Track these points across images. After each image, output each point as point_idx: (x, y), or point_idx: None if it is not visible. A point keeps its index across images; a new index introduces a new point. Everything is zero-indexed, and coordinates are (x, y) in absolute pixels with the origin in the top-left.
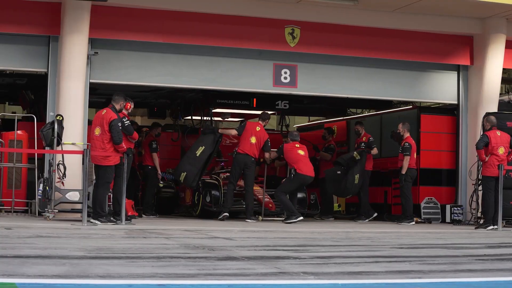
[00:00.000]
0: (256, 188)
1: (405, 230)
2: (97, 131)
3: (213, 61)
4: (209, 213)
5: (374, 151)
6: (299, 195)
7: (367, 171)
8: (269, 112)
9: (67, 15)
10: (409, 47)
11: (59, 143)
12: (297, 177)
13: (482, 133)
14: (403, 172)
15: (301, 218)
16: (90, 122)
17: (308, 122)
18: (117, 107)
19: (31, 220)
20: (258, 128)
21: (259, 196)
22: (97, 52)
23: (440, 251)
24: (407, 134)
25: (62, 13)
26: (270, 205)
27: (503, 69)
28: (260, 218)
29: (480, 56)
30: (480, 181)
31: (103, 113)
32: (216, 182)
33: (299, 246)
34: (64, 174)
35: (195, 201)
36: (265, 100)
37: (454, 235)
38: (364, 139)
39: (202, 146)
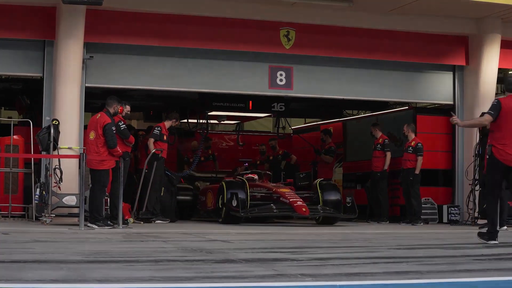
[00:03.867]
0: (286, 190)
1: (403, 231)
2: (92, 135)
3: (208, 64)
4: (235, 219)
5: (388, 155)
6: (333, 196)
7: (384, 172)
8: (263, 115)
9: (62, 20)
10: (404, 48)
11: (55, 147)
12: (492, 162)
13: (478, 133)
14: (417, 172)
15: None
16: (86, 127)
17: (304, 124)
18: (111, 110)
19: (28, 225)
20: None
21: (291, 200)
22: (92, 56)
23: (438, 251)
24: (412, 135)
25: (57, 18)
26: (304, 209)
27: (499, 69)
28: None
29: (475, 56)
30: (476, 181)
31: (97, 117)
32: (242, 184)
33: (296, 248)
34: (61, 179)
35: (219, 205)
36: (261, 103)
37: (452, 235)
38: (380, 141)
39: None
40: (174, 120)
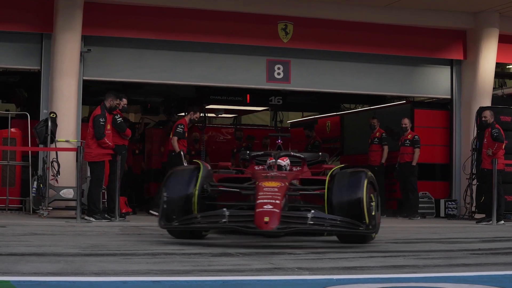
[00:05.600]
0: (273, 184)
1: (400, 225)
2: (88, 128)
3: (206, 58)
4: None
5: (385, 149)
6: (348, 196)
7: (382, 166)
8: (261, 109)
9: (59, 13)
10: (402, 42)
11: (52, 140)
12: None
13: (476, 127)
14: (414, 164)
15: None
16: (84, 120)
17: (302, 117)
18: (107, 104)
19: (25, 217)
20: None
21: (259, 201)
22: (89, 49)
23: (435, 245)
24: (409, 129)
25: (54, 11)
26: (266, 221)
27: (496, 63)
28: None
29: (473, 50)
30: (474, 175)
31: (94, 111)
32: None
33: (293, 242)
34: (58, 172)
35: None
36: (258, 96)
37: (449, 229)
38: (377, 135)
39: None
40: (192, 113)
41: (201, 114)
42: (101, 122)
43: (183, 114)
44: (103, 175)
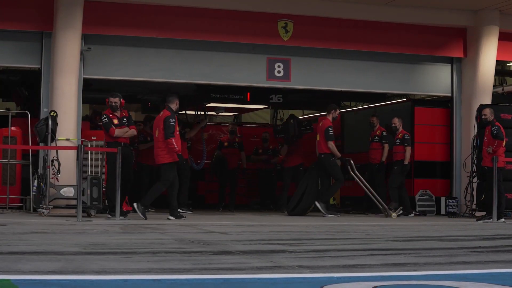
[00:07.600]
0: None
1: (400, 223)
2: (156, 133)
3: (207, 56)
4: None
5: (385, 147)
6: None
7: (382, 164)
8: (261, 107)
9: (59, 11)
10: (402, 40)
11: (53, 139)
12: None
13: (476, 125)
14: (406, 162)
15: None
16: (84, 118)
17: (302, 115)
18: (173, 107)
19: (26, 216)
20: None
21: None
22: (90, 48)
23: (435, 243)
24: (401, 128)
25: (54, 9)
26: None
27: (497, 61)
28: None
29: (473, 48)
30: (474, 173)
31: (160, 115)
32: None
33: (294, 240)
34: (59, 170)
35: None
36: (258, 94)
37: (449, 227)
38: (378, 133)
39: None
40: (333, 112)
41: (203, 113)
42: (171, 122)
43: (183, 112)
44: (170, 176)
